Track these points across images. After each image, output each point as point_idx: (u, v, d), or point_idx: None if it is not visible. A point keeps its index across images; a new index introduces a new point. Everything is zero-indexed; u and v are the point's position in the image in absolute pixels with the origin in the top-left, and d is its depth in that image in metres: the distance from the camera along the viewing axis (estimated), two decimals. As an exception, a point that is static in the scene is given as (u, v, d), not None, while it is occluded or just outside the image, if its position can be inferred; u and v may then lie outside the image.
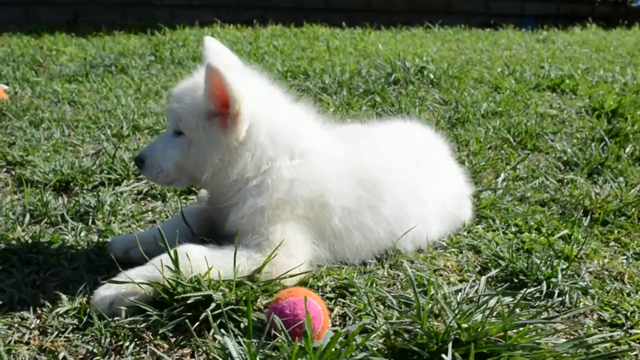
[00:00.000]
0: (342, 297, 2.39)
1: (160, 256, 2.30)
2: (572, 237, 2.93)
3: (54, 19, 10.80)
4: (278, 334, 2.00)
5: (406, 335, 2.10)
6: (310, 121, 2.71)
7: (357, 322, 2.22)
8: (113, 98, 5.34)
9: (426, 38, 9.09)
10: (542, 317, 2.27)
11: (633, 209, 3.24)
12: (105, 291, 2.25)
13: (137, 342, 2.11)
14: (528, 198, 3.37)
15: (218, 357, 1.96)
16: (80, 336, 2.15)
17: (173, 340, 2.12)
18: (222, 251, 2.38)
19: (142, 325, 2.17)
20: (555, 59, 7.11)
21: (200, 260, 2.28)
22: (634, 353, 2.10)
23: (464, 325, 2.03)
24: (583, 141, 4.31)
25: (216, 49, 2.72)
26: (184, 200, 3.31)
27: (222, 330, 2.05)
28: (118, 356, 2.07)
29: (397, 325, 2.12)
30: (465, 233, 2.98)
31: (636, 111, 4.89)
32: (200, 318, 2.14)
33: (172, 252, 2.26)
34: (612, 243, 2.96)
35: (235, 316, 2.18)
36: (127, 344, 2.09)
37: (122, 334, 2.12)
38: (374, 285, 2.46)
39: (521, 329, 2.08)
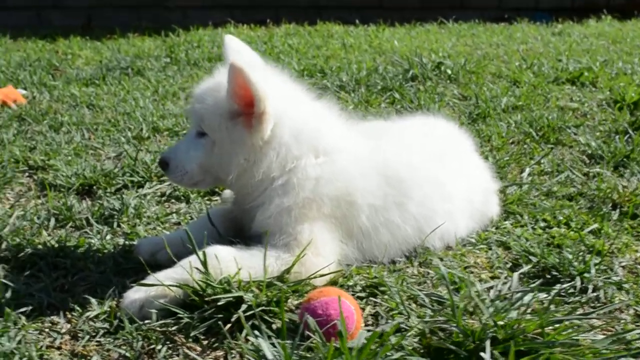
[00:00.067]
0: (373, 296, 2.36)
1: (189, 258, 2.29)
2: (602, 231, 2.88)
3: (67, 23, 10.81)
4: (311, 335, 1.97)
5: (441, 334, 2.07)
6: (334, 118, 2.69)
7: (389, 321, 2.20)
8: (131, 100, 5.34)
9: (441, 34, 9.03)
10: (578, 313, 2.23)
11: (662, 202, 3.19)
12: (135, 294, 2.24)
13: (170, 345, 2.10)
14: (555, 192, 3.33)
15: (252, 359, 1.94)
16: (112, 340, 2.14)
17: (205, 342, 2.10)
18: (250, 252, 2.36)
19: (173, 328, 2.15)
20: (572, 52, 7.05)
21: (229, 261, 2.27)
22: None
23: (500, 323, 2.00)
24: (607, 134, 4.26)
25: (237, 48, 2.69)
26: (208, 202, 3.29)
27: (256, 332, 2.03)
28: (150, 359, 2.05)
29: (432, 323, 2.09)
30: (493, 229, 2.95)
31: (659, 103, 4.83)
32: (232, 320, 2.12)
33: (200, 253, 2.24)
34: (643, 236, 2.91)
35: (266, 317, 2.16)
36: (159, 347, 2.08)
37: (153, 337, 2.11)
38: (405, 283, 2.43)
39: (558, 325, 2.05)
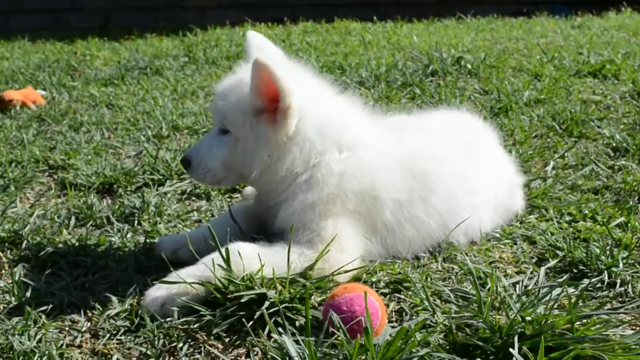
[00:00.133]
0: (397, 292, 2.32)
1: (211, 255, 2.27)
2: (629, 224, 2.83)
3: (85, 25, 10.88)
4: (336, 331, 1.94)
5: (467, 330, 2.03)
6: (357, 113, 2.66)
7: (414, 317, 2.16)
8: (150, 100, 5.33)
9: (459, 29, 8.96)
10: (606, 308, 2.18)
11: (690, 195, 3.13)
12: (157, 292, 2.22)
13: (191, 343, 2.08)
14: (580, 186, 3.28)
15: (276, 356, 1.91)
16: (133, 338, 2.13)
17: (227, 340, 2.08)
18: (273, 248, 2.33)
19: (195, 326, 2.13)
20: (593, 45, 6.95)
21: (252, 258, 2.24)
22: None
23: (528, 319, 1.96)
24: (631, 126, 4.18)
25: (259, 44, 2.67)
26: (229, 199, 3.27)
27: (279, 329, 2.00)
28: (172, 357, 2.04)
29: (458, 319, 2.06)
30: (518, 223, 2.90)
31: (683, 95, 4.76)
32: (255, 317, 2.09)
33: (223, 250, 2.22)
34: (671, 230, 2.85)
35: (289, 314, 2.13)
36: (180, 345, 2.06)
37: (175, 335, 2.09)
38: (429, 279, 2.40)
39: (587, 320, 2.00)
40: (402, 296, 2.29)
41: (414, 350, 1.86)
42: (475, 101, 4.84)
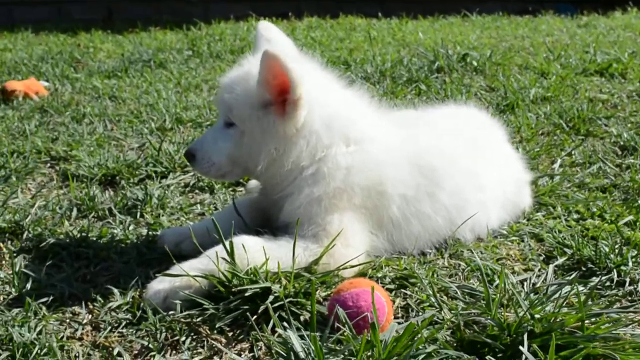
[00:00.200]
0: (403, 288, 2.29)
1: (215, 248, 2.23)
2: (638, 223, 2.79)
3: (88, 17, 10.86)
4: (341, 327, 1.91)
5: (475, 327, 2.00)
6: (365, 107, 2.62)
7: (420, 313, 2.13)
8: (154, 92, 5.30)
9: (464, 26, 8.92)
10: (616, 306, 2.15)
11: (698, 194, 3.09)
12: (159, 285, 2.19)
13: (194, 337, 2.05)
14: (587, 184, 3.24)
15: (280, 352, 1.87)
16: (135, 331, 2.09)
17: (230, 334, 2.05)
18: (278, 242, 2.30)
19: (198, 319, 2.10)
20: (599, 44, 6.91)
21: (256, 251, 2.21)
22: None
23: (537, 316, 1.93)
24: (639, 125, 4.14)
25: (269, 36, 2.63)
26: (232, 192, 3.24)
27: (284, 324, 1.96)
28: (174, 351, 2.01)
29: (465, 316, 2.02)
30: (525, 221, 2.86)
31: (690, 94, 4.72)
32: (259, 311, 2.06)
33: (227, 243, 2.18)
34: (680, 229, 2.82)
35: (294, 309, 2.10)
36: (183, 338, 2.03)
37: (178, 329, 2.05)
38: (435, 275, 2.36)
39: (597, 319, 1.97)
40: (408, 292, 2.26)
41: (421, 347, 1.83)
42: (481, 98, 4.80)
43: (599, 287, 2.28)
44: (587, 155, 3.61)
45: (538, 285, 2.28)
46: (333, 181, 2.39)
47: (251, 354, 1.97)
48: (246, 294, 2.10)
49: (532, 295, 2.15)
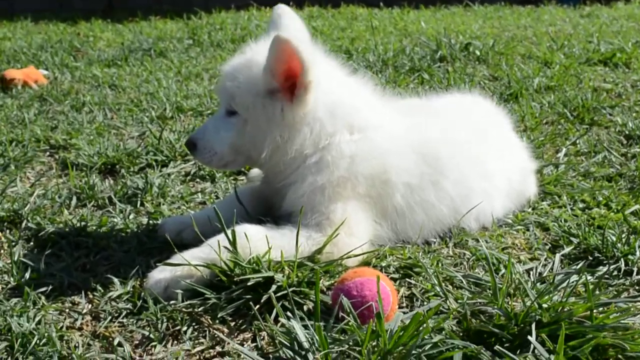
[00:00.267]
0: (408, 277, 2.26)
1: (217, 237, 2.20)
2: (644, 212, 2.76)
3: (88, 6, 10.82)
4: (346, 316, 1.88)
5: (481, 317, 1.96)
6: (369, 94, 2.58)
7: (425, 303, 2.10)
8: (154, 81, 5.26)
9: (466, 16, 8.88)
10: (624, 296, 2.12)
11: None
12: (160, 274, 2.16)
13: (196, 327, 2.02)
14: (592, 173, 3.20)
15: (284, 341, 1.84)
16: (135, 321, 2.06)
17: (233, 324, 2.02)
18: (281, 231, 2.27)
19: (199, 309, 2.07)
20: (602, 34, 6.87)
21: (258, 240, 2.17)
22: None
23: (545, 306, 1.90)
24: (643, 114, 4.11)
25: (284, 23, 2.59)
26: (234, 181, 3.20)
27: (287, 314, 1.93)
28: (175, 341, 1.98)
29: (472, 306, 1.99)
30: (530, 210, 2.83)
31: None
32: (262, 301, 2.03)
33: (229, 232, 2.14)
34: (687, 218, 2.78)
35: (297, 298, 2.07)
36: (184, 328, 2.00)
37: (179, 319, 2.03)
38: (440, 264, 2.33)
39: (605, 308, 1.94)
40: (413, 281, 2.23)
41: (427, 337, 1.79)
42: (484, 87, 4.76)
43: (606, 276, 2.25)
44: (592, 145, 3.57)
45: (544, 274, 2.24)
46: (337, 170, 2.35)
47: (254, 344, 1.94)
48: (249, 284, 2.07)
49: (539, 284, 2.11)
